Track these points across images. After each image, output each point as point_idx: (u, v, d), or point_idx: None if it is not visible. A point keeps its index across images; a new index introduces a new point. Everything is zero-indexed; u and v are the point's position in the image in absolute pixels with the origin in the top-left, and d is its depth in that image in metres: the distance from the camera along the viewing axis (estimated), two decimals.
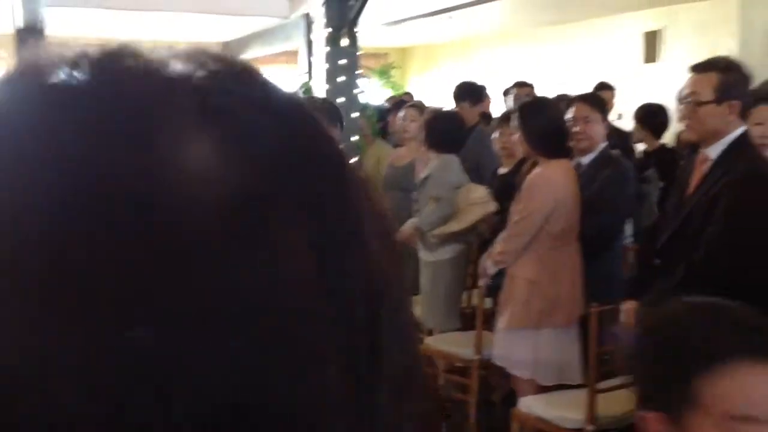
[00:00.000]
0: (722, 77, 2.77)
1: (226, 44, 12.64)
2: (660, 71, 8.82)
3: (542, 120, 3.58)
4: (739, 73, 2.82)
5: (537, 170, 3.57)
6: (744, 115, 2.83)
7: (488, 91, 6.28)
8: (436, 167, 4.47)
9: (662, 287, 2.78)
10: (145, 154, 0.34)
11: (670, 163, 4.72)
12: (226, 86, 0.39)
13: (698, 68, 2.83)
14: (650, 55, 9.31)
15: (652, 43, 9.30)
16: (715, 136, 2.77)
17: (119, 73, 0.37)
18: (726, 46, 6.40)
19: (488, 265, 3.67)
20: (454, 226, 4.36)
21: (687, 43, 8.58)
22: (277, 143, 0.39)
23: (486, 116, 6.05)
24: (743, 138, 2.79)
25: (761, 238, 2.68)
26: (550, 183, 3.52)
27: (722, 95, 2.74)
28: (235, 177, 0.36)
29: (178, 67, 0.39)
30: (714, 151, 2.78)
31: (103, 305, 0.30)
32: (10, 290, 0.31)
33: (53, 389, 0.30)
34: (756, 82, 4.63)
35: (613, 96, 6.46)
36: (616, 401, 3.31)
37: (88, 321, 0.30)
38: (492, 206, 4.21)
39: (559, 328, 3.55)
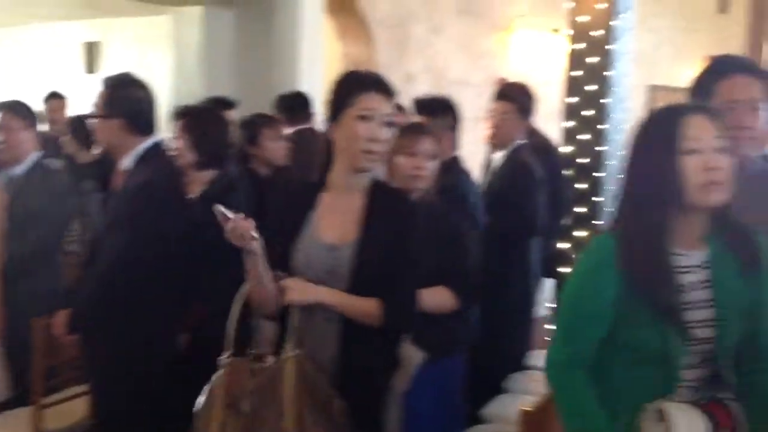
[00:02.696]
0: (108, 92, 2.92)
1: None
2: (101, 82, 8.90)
3: None
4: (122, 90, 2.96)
5: None
6: (149, 131, 2.98)
7: None
8: None
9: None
10: None
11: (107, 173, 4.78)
12: None
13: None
14: (91, 66, 9.35)
15: (91, 53, 9.35)
16: (125, 148, 2.92)
17: None
18: (162, 61, 6.77)
19: None
20: None
21: (125, 56, 8.82)
22: None
23: None
24: (153, 148, 2.97)
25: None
26: None
27: (110, 110, 2.90)
28: None
29: None
30: (127, 161, 2.94)
31: None
32: None
33: None
34: (188, 97, 4.98)
35: (64, 105, 6.49)
36: (64, 414, 3.29)
37: None
38: None
39: None
